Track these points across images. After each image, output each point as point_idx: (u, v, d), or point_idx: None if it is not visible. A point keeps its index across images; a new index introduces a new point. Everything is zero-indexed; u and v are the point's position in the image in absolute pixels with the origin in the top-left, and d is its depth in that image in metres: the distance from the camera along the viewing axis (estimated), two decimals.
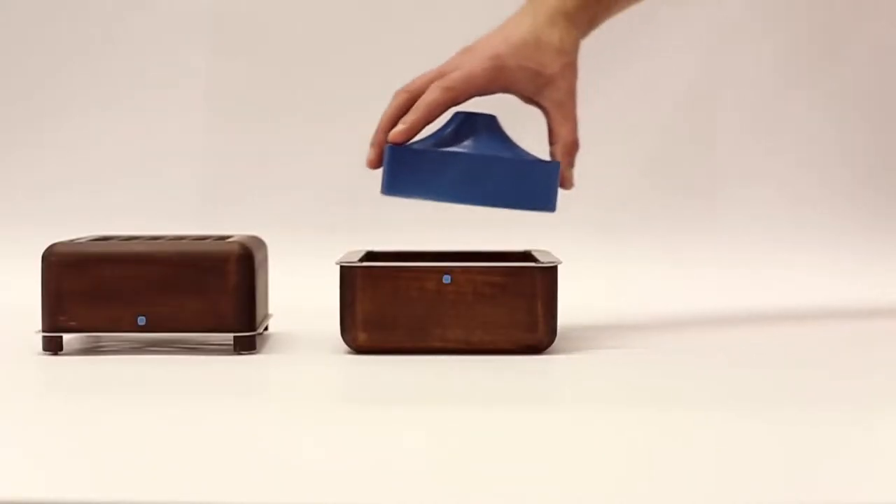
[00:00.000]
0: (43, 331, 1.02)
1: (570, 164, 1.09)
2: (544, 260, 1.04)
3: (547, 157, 1.09)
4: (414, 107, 1.05)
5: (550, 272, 1.02)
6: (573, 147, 1.09)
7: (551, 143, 1.10)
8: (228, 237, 1.07)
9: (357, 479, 0.67)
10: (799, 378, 0.97)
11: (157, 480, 0.66)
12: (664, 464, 0.71)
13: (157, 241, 1.05)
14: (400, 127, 1.04)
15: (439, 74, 1.07)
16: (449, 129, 1.06)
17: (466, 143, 1.04)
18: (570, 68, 1.10)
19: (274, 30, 1.66)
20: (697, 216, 1.63)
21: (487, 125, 1.06)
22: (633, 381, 0.96)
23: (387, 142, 1.03)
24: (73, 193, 1.63)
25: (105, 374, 0.97)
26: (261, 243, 1.10)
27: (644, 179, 1.65)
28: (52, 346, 1.02)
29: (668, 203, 1.63)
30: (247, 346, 1.03)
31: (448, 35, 1.61)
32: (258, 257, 1.05)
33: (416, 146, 1.04)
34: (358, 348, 1.02)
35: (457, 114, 1.07)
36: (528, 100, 1.11)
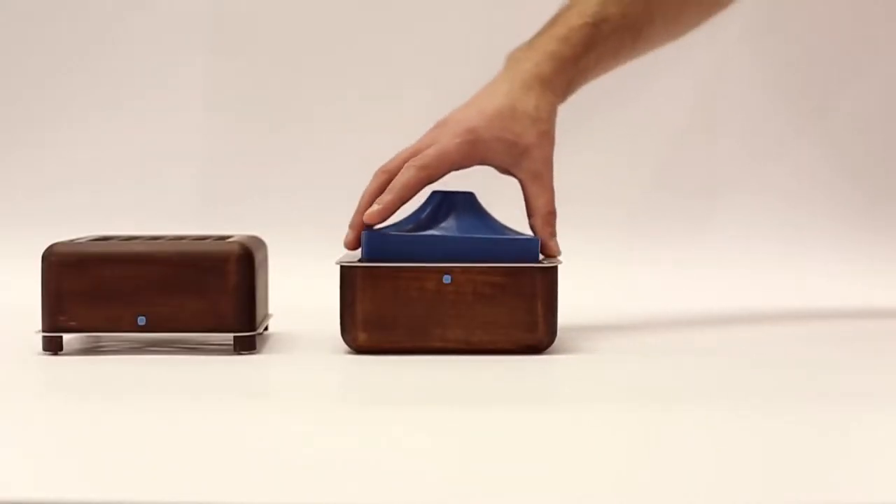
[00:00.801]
0: (43, 331, 1.02)
1: (552, 235, 1.07)
2: (544, 260, 1.04)
3: (523, 224, 1.08)
4: (389, 187, 1.04)
5: (550, 272, 1.02)
6: (551, 218, 1.08)
7: (529, 215, 1.08)
8: (228, 237, 1.07)
9: (357, 479, 0.67)
10: (799, 378, 0.96)
11: (157, 480, 0.66)
12: (664, 463, 0.71)
13: (157, 241, 1.05)
14: (375, 208, 1.03)
15: (415, 152, 1.06)
16: (427, 211, 1.05)
17: (444, 224, 1.04)
18: (547, 137, 1.08)
19: (274, 30, 1.66)
20: (698, 217, 1.63)
21: (465, 204, 1.05)
22: (632, 381, 0.96)
23: (363, 223, 1.03)
24: (73, 193, 1.62)
25: (105, 374, 0.97)
26: (261, 243, 1.10)
27: (645, 180, 1.65)
28: (52, 346, 1.02)
29: (668, 204, 1.63)
30: (247, 346, 1.03)
31: (448, 35, 1.62)
32: (258, 257, 1.05)
33: (393, 230, 1.03)
34: (358, 348, 1.02)
35: (434, 193, 1.07)
36: (505, 171, 1.09)
